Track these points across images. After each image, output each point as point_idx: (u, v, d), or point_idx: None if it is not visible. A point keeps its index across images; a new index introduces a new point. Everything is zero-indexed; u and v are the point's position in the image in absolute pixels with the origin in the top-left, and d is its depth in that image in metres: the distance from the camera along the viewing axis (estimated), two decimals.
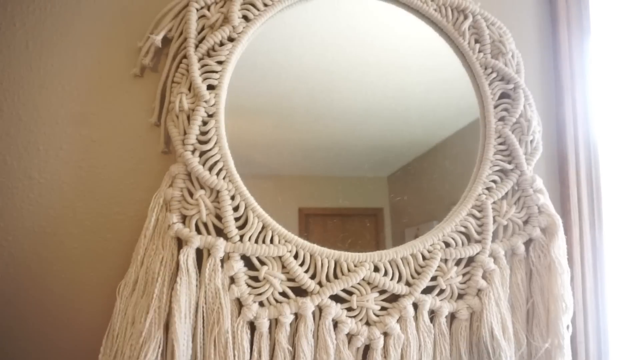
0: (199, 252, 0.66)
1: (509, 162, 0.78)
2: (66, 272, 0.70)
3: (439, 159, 0.81)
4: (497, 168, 0.77)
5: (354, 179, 0.79)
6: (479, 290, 0.72)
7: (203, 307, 0.65)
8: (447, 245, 0.73)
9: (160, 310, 0.63)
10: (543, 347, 0.73)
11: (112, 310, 0.65)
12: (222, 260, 0.66)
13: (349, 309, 0.69)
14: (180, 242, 0.66)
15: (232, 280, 0.66)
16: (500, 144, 0.78)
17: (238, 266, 0.66)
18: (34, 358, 0.68)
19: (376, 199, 0.79)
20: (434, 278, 0.72)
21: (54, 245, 0.69)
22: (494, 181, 0.77)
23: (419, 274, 0.71)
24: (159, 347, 0.62)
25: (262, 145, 0.76)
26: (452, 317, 0.72)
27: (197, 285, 0.65)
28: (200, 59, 0.70)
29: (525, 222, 0.77)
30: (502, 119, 0.79)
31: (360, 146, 0.80)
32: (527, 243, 0.76)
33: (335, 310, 0.67)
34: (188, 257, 0.65)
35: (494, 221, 0.75)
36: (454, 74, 0.82)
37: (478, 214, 0.75)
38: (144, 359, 0.61)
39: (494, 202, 0.76)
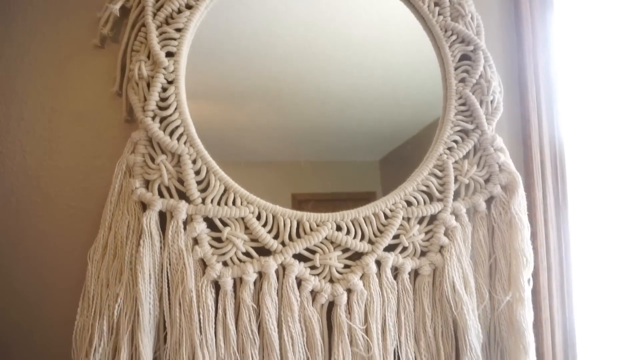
0: (163, 216, 0.68)
1: (470, 122, 0.79)
2: (33, 240, 0.71)
3: (431, 140, 0.80)
4: (458, 128, 0.78)
5: (346, 164, 0.79)
6: (441, 247, 0.74)
7: (167, 268, 0.66)
8: (409, 204, 0.75)
9: (132, 272, 0.65)
10: (505, 300, 0.74)
11: (83, 274, 0.66)
12: (185, 223, 0.67)
13: (312, 267, 0.70)
14: (144, 207, 0.68)
15: (195, 241, 0.67)
16: (461, 104, 0.79)
17: (200, 227, 0.67)
18: (10, 325, 0.70)
19: (369, 183, 0.80)
20: (396, 236, 0.73)
21: (19, 214, 0.70)
22: (455, 141, 0.78)
23: (381, 232, 0.73)
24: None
25: (251, 131, 0.76)
26: (415, 274, 0.74)
27: (161, 248, 0.67)
28: (158, 27, 0.71)
29: (487, 181, 0.78)
30: (462, 80, 0.80)
31: (350, 130, 0.80)
32: (489, 201, 0.78)
33: (298, 268, 0.68)
34: (151, 220, 0.66)
35: (456, 180, 0.77)
36: (417, 38, 0.82)
37: (440, 174, 0.76)
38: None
39: (456, 162, 0.77)
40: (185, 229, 0.67)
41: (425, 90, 0.82)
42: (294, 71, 0.78)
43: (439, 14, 0.82)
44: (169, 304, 0.66)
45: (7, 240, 0.70)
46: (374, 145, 0.80)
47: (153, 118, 0.68)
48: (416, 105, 0.82)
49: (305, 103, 0.79)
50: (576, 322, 0.85)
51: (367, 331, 0.70)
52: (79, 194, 0.72)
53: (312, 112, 0.79)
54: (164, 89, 0.69)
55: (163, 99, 0.69)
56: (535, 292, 0.81)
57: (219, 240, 0.68)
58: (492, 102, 0.80)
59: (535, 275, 0.81)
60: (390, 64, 0.81)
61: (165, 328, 0.66)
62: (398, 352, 0.71)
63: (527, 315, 0.74)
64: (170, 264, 0.66)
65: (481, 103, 0.79)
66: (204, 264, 0.67)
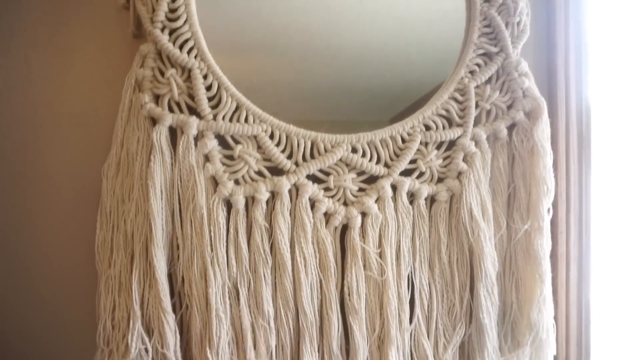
0: (174, 133, 0.66)
1: (494, 45, 0.75)
2: (46, 160, 0.70)
3: None
4: (481, 51, 0.74)
5: (356, 123, 0.75)
6: (460, 173, 0.71)
7: (178, 185, 0.65)
8: (428, 128, 0.72)
9: (142, 188, 0.64)
10: (522, 229, 0.73)
11: (98, 193, 0.66)
12: (196, 139, 0.65)
13: (326, 190, 0.68)
14: (154, 122, 0.65)
15: (207, 158, 0.65)
16: (486, 26, 0.75)
17: (212, 144, 0.65)
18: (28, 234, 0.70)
19: None
20: (413, 161, 0.71)
21: (30, 133, 0.69)
22: (478, 65, 0.74)
23: (397, 156, 0.70)
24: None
25: (260, 88, 0.72)
26: (431, 200, 0.72)
27: (172, 164, 0.65)
28: None
29: (509, 107, 0.75)
30: (487, 0, 0.76)
31: (360, 87, 0.76)
32: (510, 128, 0.75)
33: (312, 189, 0.67)
34: (161, 135, 0.64)
35: (477, 105, 0.73)
36: None
37: (460, 98, 0.73)
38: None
39: (477, 86, 0.74)
40: (196, 145, 0.65)
41: (439, 48, 0.77)
42: (304, 25, 0.74)
43: None
44: (181, 221, 0.65)
45: (21, 155, 0.69)
46: (384, 104, 0.76)
47: (162, 30, 0.65)
48: (429, 63, 0.78)
49: (315, 58, 0.75)
50: (592, 258, 0.83)
51: (381, 255, 0.68)
52: (89, 111, 0.70)
53: (322, 69, 0.75)
54: (173, 0, 0.66)
55: (172, 10, 0.66)
56: (553, 225, 0.79)
57: (230, 158, 0.66)
58: (518, 24, 0.75)
59: (554, 208, 0.78)
60: (403, 19, 0.76)
61: (178, 245, 0.65)
62: (412, 278, 0.70)
63: (545, 245, 0.72)
64: (181, 181, 0.65)
65: (507, 25, 0.75)
66: (215, 182, 0.65)
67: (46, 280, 0.72)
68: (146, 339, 0.64)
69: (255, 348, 0.65)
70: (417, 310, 0.70)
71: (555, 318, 0.75)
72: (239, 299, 0.65)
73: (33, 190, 0.71)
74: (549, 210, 0.73)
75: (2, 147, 0.70)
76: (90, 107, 0.70)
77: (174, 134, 0.66)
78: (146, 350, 0.64)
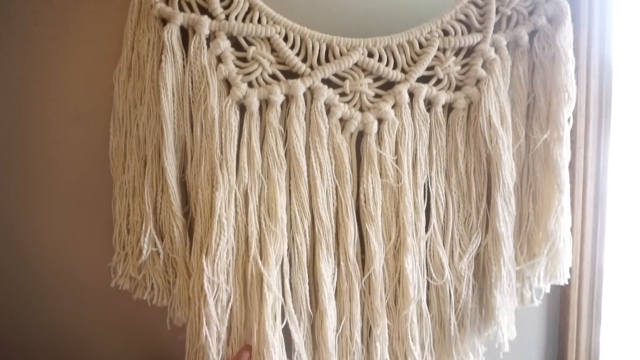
0: (185, 34, 0.64)
1: None
2: (56, 63, 0.68)
3: None
4: None
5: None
6: (478, 80, 0.69)
7: (189, 87, 0.63)
8: (446, 33, 0.69)
9: (154, 91, 0.63)
10: (541, 138, 0.71)
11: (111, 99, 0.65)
12: (208, 40, 0.63)
13: (342, 95, 0.67)
14: (165, 23, 0.63)
15: (219, 60, 0.63)
16: None
17: (224, 45, 0.63)
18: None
19: None
20: (430, 68, 0.69)
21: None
22: None
23: (415, 62, 0.68)
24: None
25: None
26: (449, 108, 0.70)
27: (183, 66, 0.63)
28: None
29: (531, 12, 0.71)
30: None
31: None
32: (532, 34, 0.72)
33: (327, 93, 0.65)
34: (172, 34, 0.62)
35: (497, 11, 0.70)
36: None
37: (480, 2, 0.70)
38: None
39: None
40: (208, 47, 0.63)
41: None
42: None
43: None
44: (192, 124, 0.64)
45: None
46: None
47: None
48: None
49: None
50: (609, 175, 0.82)
51: (397, 162, 0.67)
52: (95, 15, 0.68)
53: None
54: None
55: None
56: (571, 141, 0.77)
57: (244, 60, 0.64)
58: None
59: (573, 124, 0.76)
60: None
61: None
62: (428, 187, 0.69)
63: (564, 155, 0.71)
64: (192, 83, 0.63)
65: None
66: (228, 84, 0.64)
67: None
68: (158, 242, 0.64)
69: (261, 257, 0.63)
70: (433, 219, 0.69)
71: (571, 230, 0.75)
72: (246, 206, 0.64)
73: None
74: (569, 119, 0.71)
75: None
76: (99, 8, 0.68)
77: (185, 35, 0.64)
78: (158, 253, 0.64)
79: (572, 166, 0.78)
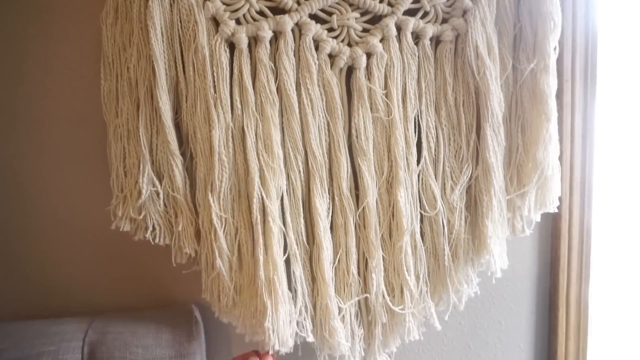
0: None
1: None
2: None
3: None
4: None
5: None
6: (465, 11, 0.70)
7: (178, 26, 0.63)
8: None
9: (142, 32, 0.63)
10: (529, 68, 0.72)
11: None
12: None
13: (330, 30, 0.67)
14: None
15: None
16: None
17: None
18: None
19: None
20: (417, 1, 0.69)
21: None
22: None
23: None
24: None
25: None
26: (437, 41, 0.71)
27: (170, 4, 0.63)
28: None
29: None
30: None
31: None
32: None
33: (315, 28, 0.65)
34: None
35: None
36: None
37: None
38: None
39: None
40: None
41: None
42: None
43: None
44: (183, 64, 0.64)
45: None
46: None
47: None
48: None
49: None
50: (597, 107, 0.83)
51: (387, 96, 0.68)
52: None
53: None
54: None
55: None
56: (559, 74, 0.77)
57: None
58: None
59: (560, 57, 0.77)
60: None
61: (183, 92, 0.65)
62: (418, 120, 0.70)
63: (551, 83, 0.72)
64: (181, 22, 0.63)
65: None
66: (216, 22, 0.64)
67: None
68: (157, 182, 0.65)
69: (263, 191, 0.66)
70: (424, 152, 0.71)
71: (560, 162, 0.76)
72: (244, 143, 0.65)
73: None
74: (555, 48, 0.72)
75: None
76: None
77: None
78: (157, 194, 0.65)
79: (560, 98, 0.79)
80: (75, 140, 0.72)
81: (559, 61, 0.76)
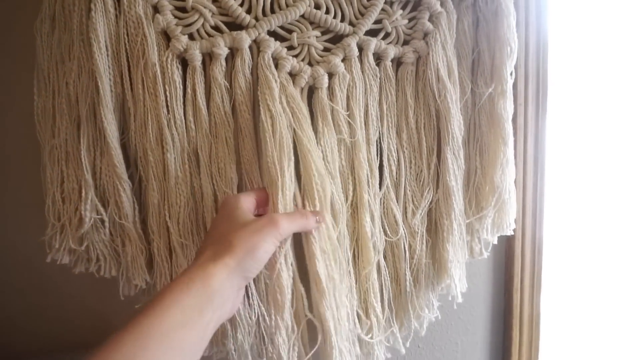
0: None
1: None
2: None
3: None
4: None
5: None
6: (426, 34, 0.69)
7: (125, 39, 0.58)
8: None
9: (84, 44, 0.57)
10: (486, 92, 0.72)
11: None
12: None
13: (290, 48, 0.64)
14: None
15: (156, 9, 0.59)
16: None
17: None
18: None
19: None
20: (378, 21, 0.67)
21: None
22: None
23: (362, 14, 0.67)
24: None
25: None
26: (398, 63, 0.69)
27: (116, 16, 0.58)
28: None
29: None
30: None
31: None
32: None
33: (274, 45, 0.62)
34: None
35: None
36: None
37: None
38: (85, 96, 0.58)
39: None
40: None
41: None
42: None
43: None
44: (131, 81, 0.59)
45: None
46: None
47: None
48: None
49: None
50: (547, 130, 0.85)
51: (350, 117, 0.66)
52: None
53: None
54: None
55: None
56: (513, 98, 0.79)
57: (183, 10, 0.60)
58: None
59: (514, 82, 0.78)
60: None
61: (130, 110, 0.60)
62: (380, 143, 0.69)
63: (508, 108, 0.72)
64: (128, 35, 0.58)
65: None
66: (167, 37, 0.59)
67: None
68: (101, 209, 0.59)
69: None
70: (386, 176, 0.69)
71: (515, 183, 0.77)
72: (199, 166, 0.61)
73: None
74: (511, 73, 0.73)
75: None
76: None
77: None
78: (102, 221, 0.59)
79: (513, 121, 0.80)
80: (4, 162, 0.65)
81: (513, 85, 0.77)
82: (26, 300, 0.67)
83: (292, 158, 0.59)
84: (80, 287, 0.68)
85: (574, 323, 0.98)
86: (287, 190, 0.57)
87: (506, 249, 0.88)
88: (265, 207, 0.60)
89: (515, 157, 0.81)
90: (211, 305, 0.46)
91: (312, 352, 0.59)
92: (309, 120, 0.62)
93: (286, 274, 0.56)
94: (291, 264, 0.57)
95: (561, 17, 0.85)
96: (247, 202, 0.56)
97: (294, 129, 0.61)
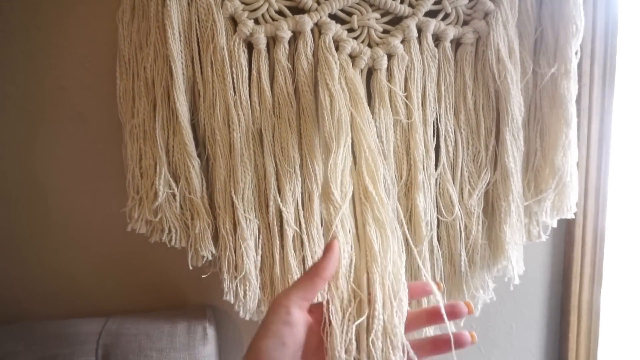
0: None
1: None
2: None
3: None
4: None
5: None
6: (486, 14, 0.68)
7: (196, 25, 0.62)
8: None
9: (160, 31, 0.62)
10: (549, 72, 0.71)
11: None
12: None
13: (350, 30, 0.66)
14: None
15: None
16: None
17: None
18: None
19: None
20: (438, 2, 0.67)
21: None
22: None
23: None
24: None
25: None
26: (457, 44, 0.69)
27: (188, 3, 0.62)
28: None
29: None
30: None
31: None
32: None
33: (335, 27, 0.64)
34: None
35: None
36: None
37: None
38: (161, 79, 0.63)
39: None
40: None
41: None
42: None
43: None
44: (200, 64, 0.63)
45: None
46: None
47: None
48: None
49: None
50: (614, 112, 0.82)
51: (407, 98, 0.67)
52: None
53: None
54: None
55: None
56: (578, 79, 0.76)
57: None
58: None
59: (579, 62, 0.76)
60: None
61: (200, 92, 0.64)
62: (437, 124, 0.69)
63: (571, 88, 0.71)
64: (199, 21, 0.62)
65: None
66: (234, 22, 0.63)
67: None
68: (173, 185, 0.64)
69: (280, 195, 0.65)
70: (443, 156, 0.70)
71: (577, 166, 0.75)
72: (262, 145, 0.65)
73: None
74: (576, 53, 0.71)
75: None
76: None
77: None
78: (174, 195, 0.64)
79: (577, 103, 0.78)
80: (88, 140, 0.71)
81: (578, 66, 0.75)
82: (104, 265, 0.74)
83: (350, 134, 0.60)
84: (155, 256, 0.74)
85: (636, 314, 0.95)
86: (341, 163, 0.58)
87: (566, 234, 0.86)
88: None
89: (578, 140, 0.79)
90: None
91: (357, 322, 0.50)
92: (365, 102, 0.63)
93: (342, 238, 0.53)
94: (349, 230, 0.55)
95: None
96: (299, 310, 0.48)
97: (350, 111, 0.62)
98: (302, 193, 0.67)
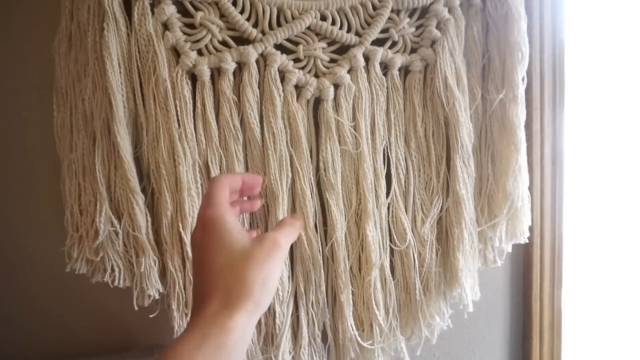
0: (128, 3, 0.61)
1: None
2: None
3: None
4: None
5: None
6: (433, 41, 0.69)
7: (137, 57, 0.61)
8: None
9: (98, 62, 0.60)
10: (497, 98, 0.71)
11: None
12: (152, 5, 0.61)
13: (296, 60, 0.65)
14: None
15: (165, 27, 0.61)
16: None
17: (170, 10, 0.60)
18: None
19: None
20: (385, 30, 0.68)
21: None
22: None
23: (369, 24, 0.67)
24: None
25: None
26: (405, 71, 0.69)
27: (128, 34, 0.60)
28: None
29: None
30: None
31: None
32: None
33: (280, 59, 0.63)
34: (113, 0, 0.59)
35: None
36: None
37: None
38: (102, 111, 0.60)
39: None
40: (152, 12, 0.60)
41: None
42: None
43: None
44: (143, 96, 0.61)
45: None
46: None
47: None
48: None
49: None
50: (565, 135, 0.83)
51: (355, 129, 0.67)
52: None
53: None
54: None
55: None
56: (528, 103, 0.77)
57: (191, 26, 0.62)
58: None
59: (529, 86, 0.77)
60: None
61: (142, 125, 0.62)
62: (388, 153, 0.69)
63: (520, 114, 0.71)
64: (139, 52, 0.60)
65: None
66: (177, 53, 0.61)
67: None
68: (115, 222, 0.62)
69: None
70: (394, 184, 0.69)
71: (530, 190, 0.76)
72: (210, 178, 0.63)
73: None
74: (523, 79, 0.71)
75: None
76: None
77: (127, 1, 0.61)
78: (116, 233, 0.62)
79: (529, 127, 0.79)
80: (26, 175, 0.68)
81: (528, 90, 0.77)
82: (45, 307, 0.71)
83: (290, 175, 0.62)
84: (98, 296, 0.71)
85: (597, 330, 0.95)
86: (285, 205, 0.60)
87: (524, 256, 0.86)
88: (251, 190, 0.58)
89: (532, 164, 0.80)
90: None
91: None
92: (304, 140, 0.64)
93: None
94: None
95: (578, 18, 0.83)
96: (233, 215, 0.49)
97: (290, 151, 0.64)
98: (250, 224, 0.65)
